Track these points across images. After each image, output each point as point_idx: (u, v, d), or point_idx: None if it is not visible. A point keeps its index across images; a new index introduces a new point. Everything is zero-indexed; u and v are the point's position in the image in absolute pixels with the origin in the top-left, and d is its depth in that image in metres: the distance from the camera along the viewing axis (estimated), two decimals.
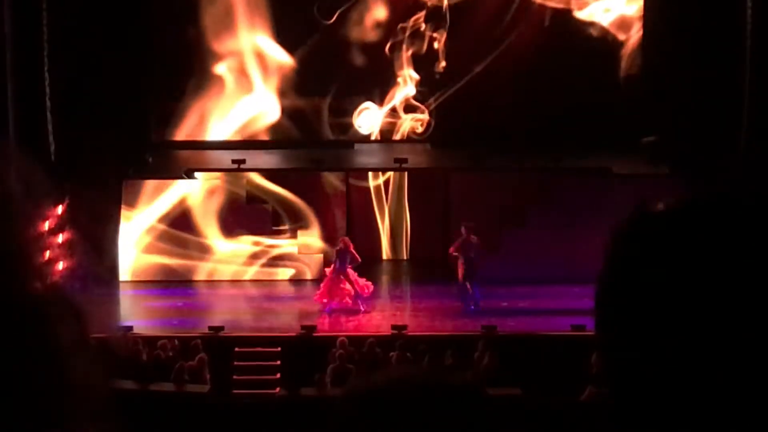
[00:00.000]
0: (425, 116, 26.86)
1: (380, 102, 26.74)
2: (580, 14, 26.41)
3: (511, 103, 26.66)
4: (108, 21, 25.05)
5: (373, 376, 1.90)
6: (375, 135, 26.95)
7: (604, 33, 26.34)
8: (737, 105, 24.71)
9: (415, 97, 26.80)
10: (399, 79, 26.71)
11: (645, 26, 26.06)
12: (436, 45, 26.72)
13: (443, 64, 26.68)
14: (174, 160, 26.47)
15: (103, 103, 24.89)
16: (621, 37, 26.43)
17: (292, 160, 26.47)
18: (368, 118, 26.81)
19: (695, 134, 24.49)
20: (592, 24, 26.31)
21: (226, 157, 25.91)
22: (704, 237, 1.36)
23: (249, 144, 26.84)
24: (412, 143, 26.55)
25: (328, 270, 22.95)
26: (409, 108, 26.84)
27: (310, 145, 26.71)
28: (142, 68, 25.84)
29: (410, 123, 26.84)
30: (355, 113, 26.74)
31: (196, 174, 26.04)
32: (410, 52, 26.66)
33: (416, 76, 26.69)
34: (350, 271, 22.59)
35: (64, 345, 1.20)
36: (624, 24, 26.38)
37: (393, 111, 26.83)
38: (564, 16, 26.49)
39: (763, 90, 24.21)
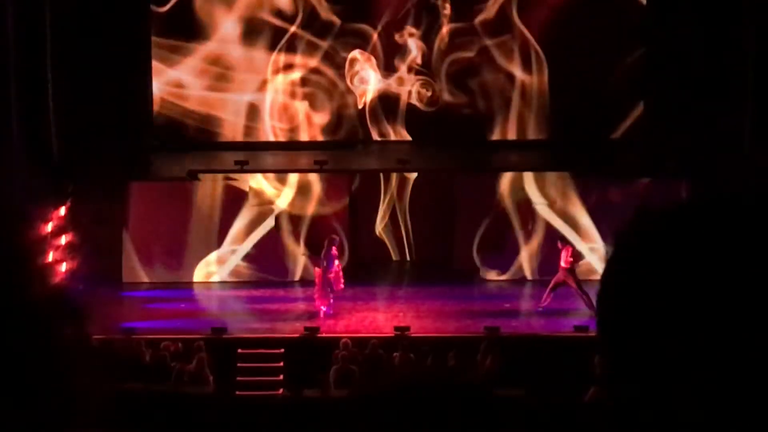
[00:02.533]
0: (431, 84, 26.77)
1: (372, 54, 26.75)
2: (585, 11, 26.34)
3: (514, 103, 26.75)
4: (111, 22, 25.07)
5: (379, 377, 1.90)
6: (372, 94, 26.79)
7: (608, 30, 26.26)
8: (741, 105, 24.71)
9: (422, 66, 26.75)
10: (400, 41, 26.69)
11: (648, 25, 26.01)
12: (441, 35, 26.75)
13: (448, 40, 26.71)
14: (177, 162, 26.46)
15: (105, 104, 24.92)
16: (625, 34, 26.36)
17: (295, 161, 26.47)
18: (365, 78, 26.72)
19: (698, 134, 24.47)
20: (595, 22, 26.21)
21: (229, 158, 25.94)
22: (706, 238, 1.36)
23: (253, 145, 26.82)
24: (415, 144, 26.44)
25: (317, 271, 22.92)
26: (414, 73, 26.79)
27: (313, 146, 26.69)
28: (145, 69, 25.86)
29: (417, 88, 26.69)
30: (348, 64, 26.64)
31: (199, 175, 26.11)
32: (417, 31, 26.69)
33: (421, 44, 26.65)
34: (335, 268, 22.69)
35: (67, 347, 1.20)
36: (628, 23, 26.33)
37: (391, 76, 26.76)
38: (567, 14, 26.45)
39: (766, 89, 24.21)
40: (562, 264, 22.30)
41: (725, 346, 1.31)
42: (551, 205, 26.23)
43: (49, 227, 21.12)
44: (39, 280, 1.20)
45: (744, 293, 1.31)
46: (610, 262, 1.45)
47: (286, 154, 26.77)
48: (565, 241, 22.86)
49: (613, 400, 1.44)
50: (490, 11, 26.44)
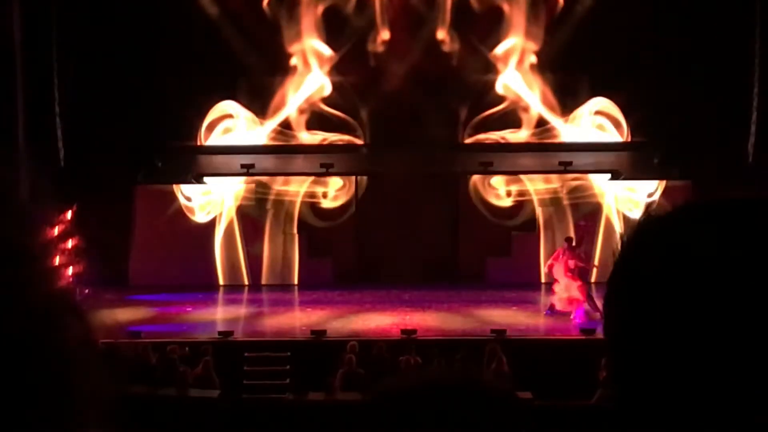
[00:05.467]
0: None
1: None
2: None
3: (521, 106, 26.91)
4: (118, 26, 25.10)
5: (405, 377, 1.90)
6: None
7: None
8: (746, 109, 24.73)
9: None
10: None
11: (655, 31, 26.01)
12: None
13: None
14: (183, 165, 26.51)
15: (112, 108, 24.95)
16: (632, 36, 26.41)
17: (300, 164, 26.52)
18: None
19: (704, 138, 24.48)
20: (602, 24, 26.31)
21: (235, 162, 26.00)
22: (712, 241, 1.36)
23: (258, 148, 26.87)
24: (421, 147, 26.44)
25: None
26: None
27: (318, 149, 26.73)
28: (152, 73, 25.86)
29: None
30: None
31: (205, 179, 26.19)
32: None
33: None
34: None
35: (70, 349, 1.20)
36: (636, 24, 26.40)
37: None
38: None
39: None
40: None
41: (732, 350, 1.31)
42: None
43: (56, 231, 21.15)
44: (44, 282, 1.20)
45: (750, 298, 1.31)
46: (617, 265, 1.45)
47: (293, 157, 26.87)
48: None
49: (617, 402, 1.43)
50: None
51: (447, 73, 27.01)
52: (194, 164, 26.60)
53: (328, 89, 27.12)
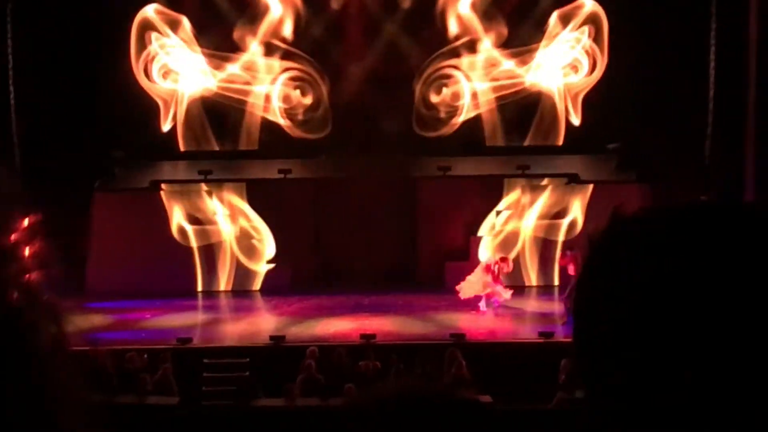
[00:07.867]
0: None
1: None
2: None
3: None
4: (75, 34, 24.97)
5: (374, 389, 1.90)
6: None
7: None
8: (702, 112, 24.90)
9: None
10: None
11: (611, 33, 26.20)
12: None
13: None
14: (141, 172, 26.41)
15: (69, 115, 24.81)
16: (588, 43, 26.57)
17: (258, 169, 26.46)
18: None
19: (661, 141, 24.63)
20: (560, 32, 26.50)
21: (192, 168, 25.93)
22: (681, 244, 1.37)
23: (217, 154, 26.81)
24: (381, 152, 26.46)
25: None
26: None
27: (277, 155, 26.68)
28: (110, 80, 25.75)
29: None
30: None
31: (162, 185, 26.12)
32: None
33: None
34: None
35: (43, 351, 1.20)
36: (591, 32, 26.54)
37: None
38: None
39: (726, 97, 24.40)
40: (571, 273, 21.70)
41: (699, 350, 1.32)
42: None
43: (13, 237, 20.95)
44: (13, 287, 1.20)
45: (717, 299, 1.32)
46: (585, 268, 1.46)
47: (250, 163, 26.82)
48: (574, 249, 22.21)
49: (585, 404, 1.44)
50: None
51: (404, 73, 27.04)
52: (151, 172, 26.49)
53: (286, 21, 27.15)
